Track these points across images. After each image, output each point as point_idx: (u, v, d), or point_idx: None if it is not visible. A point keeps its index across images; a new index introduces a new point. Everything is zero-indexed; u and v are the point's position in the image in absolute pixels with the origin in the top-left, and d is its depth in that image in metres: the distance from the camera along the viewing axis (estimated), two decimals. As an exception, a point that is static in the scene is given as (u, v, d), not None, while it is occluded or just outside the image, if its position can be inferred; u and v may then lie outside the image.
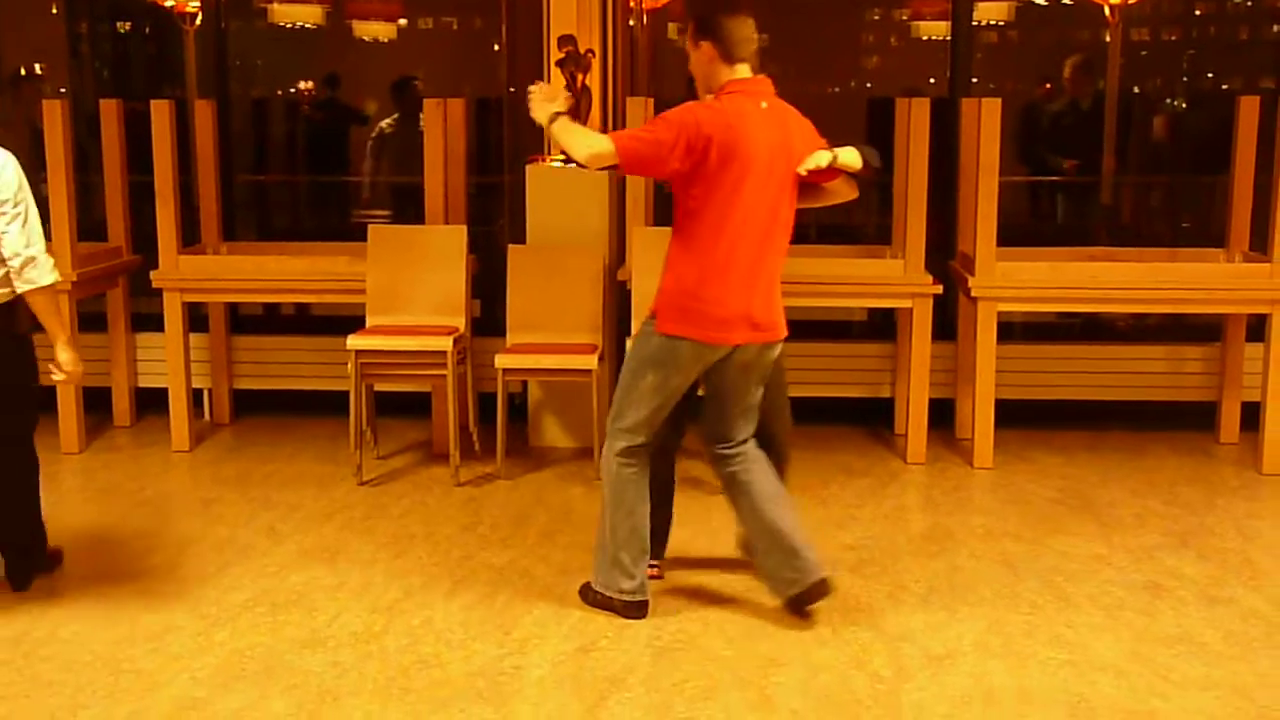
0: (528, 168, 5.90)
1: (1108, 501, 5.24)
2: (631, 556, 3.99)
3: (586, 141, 3.80)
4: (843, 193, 4.01)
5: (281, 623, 4.01)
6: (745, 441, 4.02)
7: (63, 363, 4.07)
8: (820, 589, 3.96)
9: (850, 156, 3.91)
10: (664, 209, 6.35)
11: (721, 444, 4.02)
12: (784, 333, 3.95)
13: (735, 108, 3.77)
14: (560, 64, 5.65)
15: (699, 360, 3.85)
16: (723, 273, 3.77)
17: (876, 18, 9.61)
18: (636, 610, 4.00)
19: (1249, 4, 8.33)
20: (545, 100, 3.93)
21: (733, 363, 3.88)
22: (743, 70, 3.84)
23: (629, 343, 4.20)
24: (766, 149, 3.75)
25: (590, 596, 4.10)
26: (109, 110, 6.06)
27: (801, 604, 3.98)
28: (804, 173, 3.81)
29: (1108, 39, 7.19)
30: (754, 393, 3.98)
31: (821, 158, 3.82)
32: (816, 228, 6.93)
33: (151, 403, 6.34)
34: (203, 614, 4.08)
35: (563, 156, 5.87)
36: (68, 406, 5.86)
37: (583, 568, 4.46)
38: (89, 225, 6.32)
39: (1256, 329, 5.81)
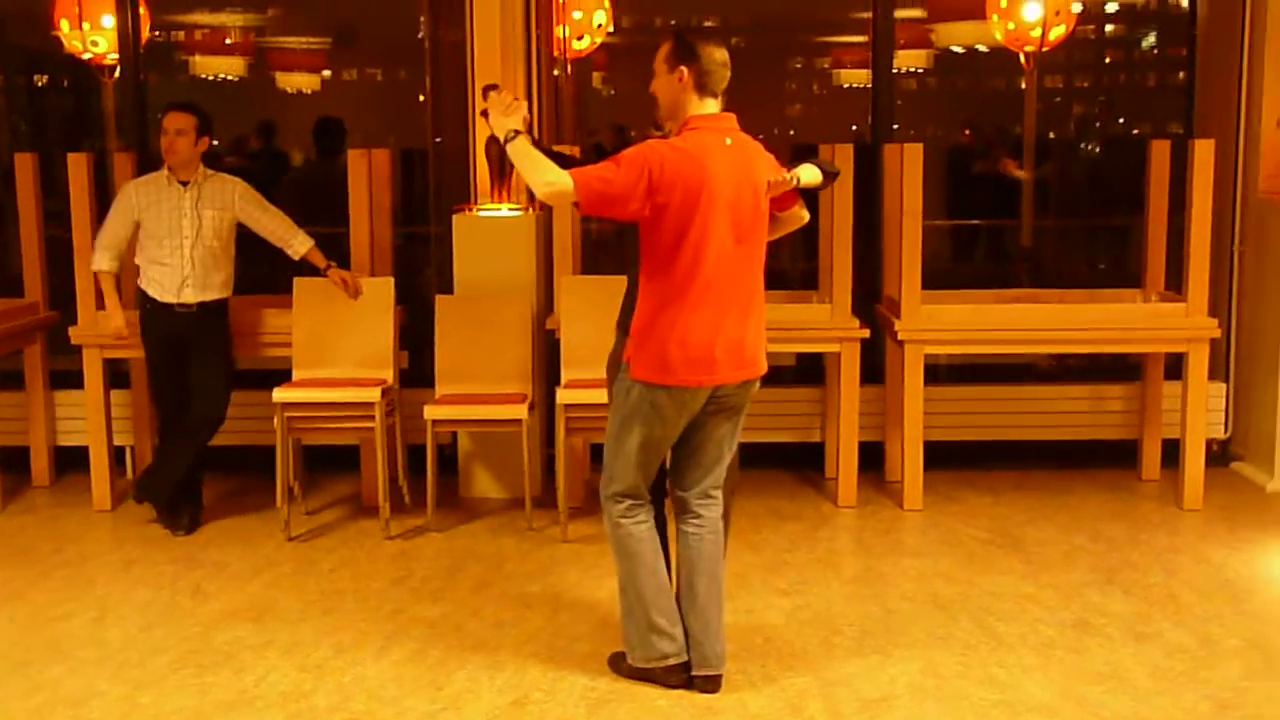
0: (454, 218, 5.89)
1: (1035, 540, 5.30)
2: (667, 616, 3.81)
3: (546, 177, 3.63)
4: (797, 219, 3.95)
5: (208, 684, 3.93)
6: (714, 499, 3.89)
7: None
8: (713, 684, 3.83)
9: (810, 174, 3.85)
10: (591, 257, 6.38)
11: (689, 491, 3.87)
12: (764, 368, 3.82)
13: (698, 144, 3.64)
14: (485, 114, 5.64)
15: (682, 408, 3.71)
16: (696, 313, 3.65)
17: (799, 66, 9.77)
18: (680, 674, 3.82)
19: (1156, 53, 8.57)
20: (503, 114, 3.81)
21: (712, 404, 3.76)
22: (711, 105, 3.71)
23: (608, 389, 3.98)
24: (732, 185, 3.65)
25: (625, 670, 3.93)
26: (24, 164, 5.97)
27: (694, 683, 3.84)
28: (774, 182, 3.71)
29: (1023, 86, 7.35)
30: (730, 437, 3.86)
31: (786, 183, 3.75)
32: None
33: (71, 462, 6.21)
34: (126, 678, 3.98)
35: (494, 205, 5.87)
36: (-17, 467, 5.73)
37: (516, 620, 4.43)
38: (5, 281, 6.20)
39: (1174, 367, 5.94)
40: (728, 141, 3.71)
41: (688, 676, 3.83)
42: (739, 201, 3.68)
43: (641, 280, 3.75)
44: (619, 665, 3.96)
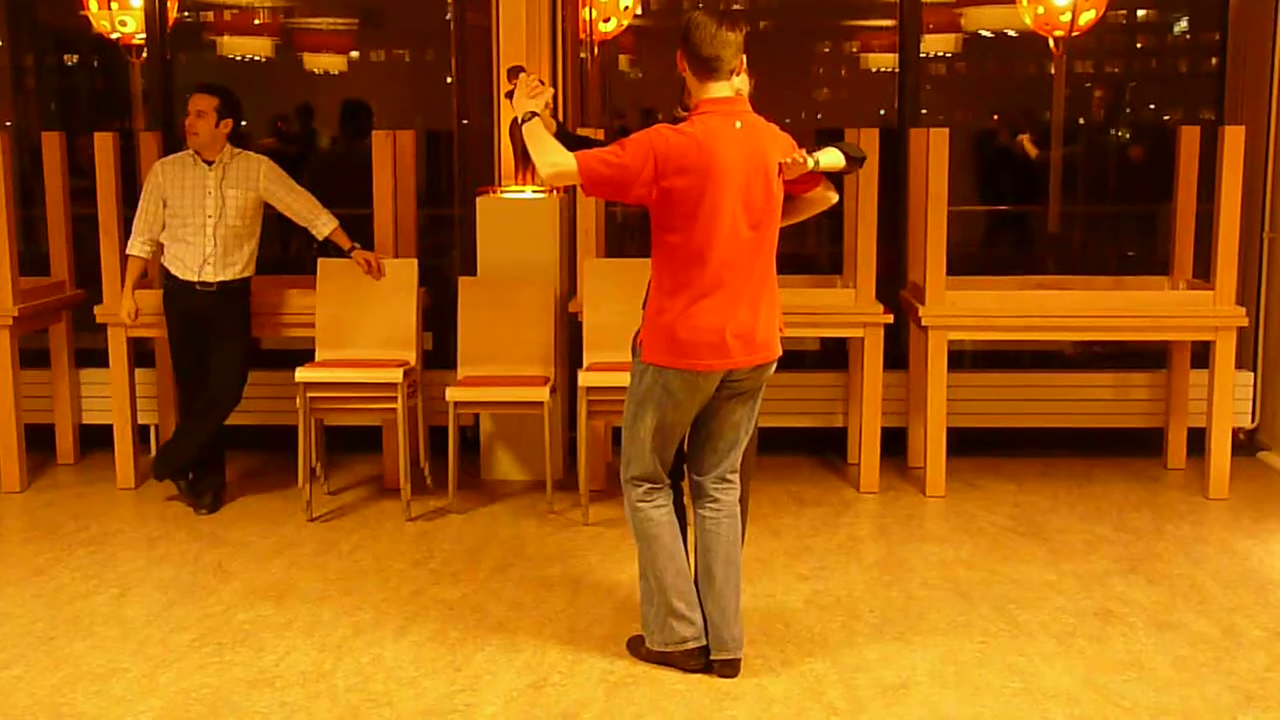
0: (478, 200, 5.89)
1: (1058, 528, 5.27)
2: (686, 600, 3.80)
3: (551, 158, 3.65)
4: (824, 200, 3.90)
5: (228, 663, 3.95)
6: (731, 483, 3.89)
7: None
8: (731, 668, 3.82)
9: (832, 158, 3.79)
10: (615, 240, 6.36)
11: (706, 476, 3.86)
12: (778, 352, 3.79)
13: (706, 128, 3.61)
14: (510, 95, 5.64)
15: (695, 391, 3.70)
16: (707, 298, 3.63)
17: (826, 50, 9.70)
18: (699, 658, 3.82)
19: (1187, 38, 8.47)
20: (527, 95, 3.83)
21: (726, 389, 3.74)
22: (719, 88, 3.66)
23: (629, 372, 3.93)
24: (742, 168, 3.61)
25: (644, 653, 3.92)
26: (51, 143, 6.00)
27: (712, 668, 3.85)
28: (786, 163, 3.66)
29: (1052, 71, 7.29)
30: (746, 422, 3.85)
31: (800, 165, 3.69)
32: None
33: (96, 440, 6.25)
34: (147, 655, 4.00)
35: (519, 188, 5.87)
36: (8, 443, 5.77)
37: (536, 602, 4.44)
38: (32, 259, 6.24)
39: (1201, 355, 5.89)
40: (737, 125, 3.67)
41: (706, 660, 3.83)
42: (750, 186, 3.65)
43: (653, 263, 3.75)
44: (638, 648, 3.96)
